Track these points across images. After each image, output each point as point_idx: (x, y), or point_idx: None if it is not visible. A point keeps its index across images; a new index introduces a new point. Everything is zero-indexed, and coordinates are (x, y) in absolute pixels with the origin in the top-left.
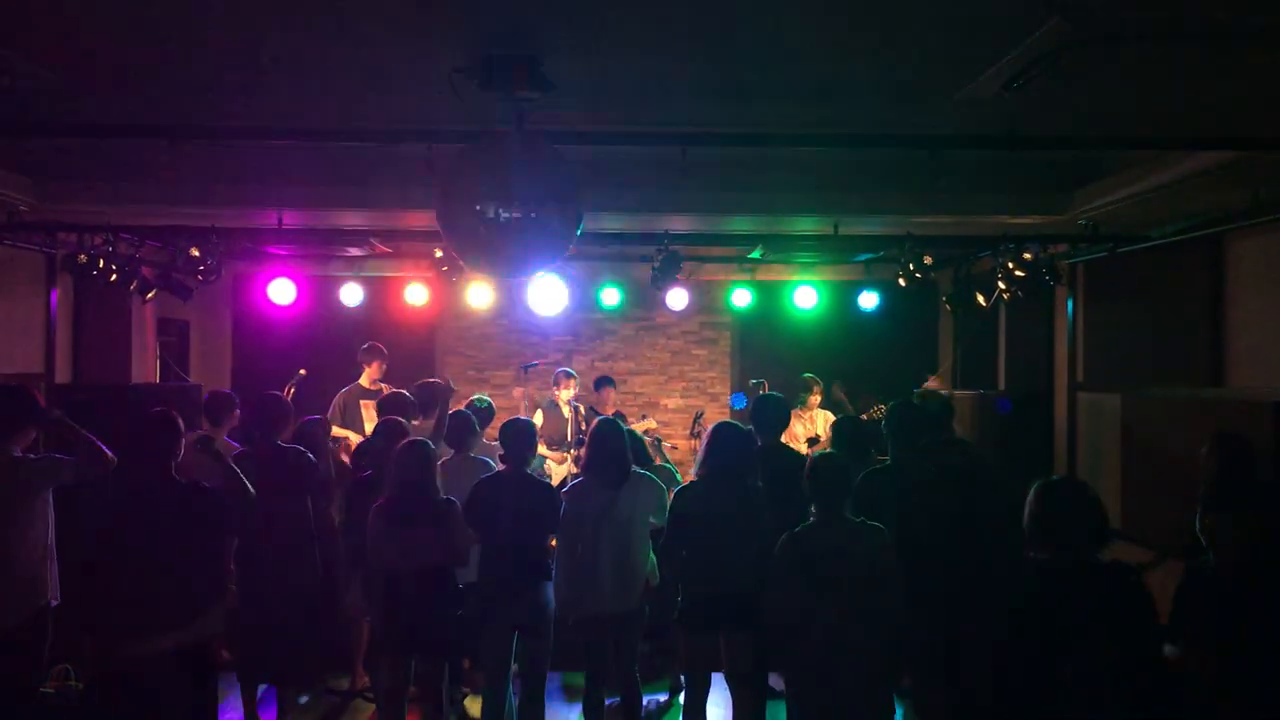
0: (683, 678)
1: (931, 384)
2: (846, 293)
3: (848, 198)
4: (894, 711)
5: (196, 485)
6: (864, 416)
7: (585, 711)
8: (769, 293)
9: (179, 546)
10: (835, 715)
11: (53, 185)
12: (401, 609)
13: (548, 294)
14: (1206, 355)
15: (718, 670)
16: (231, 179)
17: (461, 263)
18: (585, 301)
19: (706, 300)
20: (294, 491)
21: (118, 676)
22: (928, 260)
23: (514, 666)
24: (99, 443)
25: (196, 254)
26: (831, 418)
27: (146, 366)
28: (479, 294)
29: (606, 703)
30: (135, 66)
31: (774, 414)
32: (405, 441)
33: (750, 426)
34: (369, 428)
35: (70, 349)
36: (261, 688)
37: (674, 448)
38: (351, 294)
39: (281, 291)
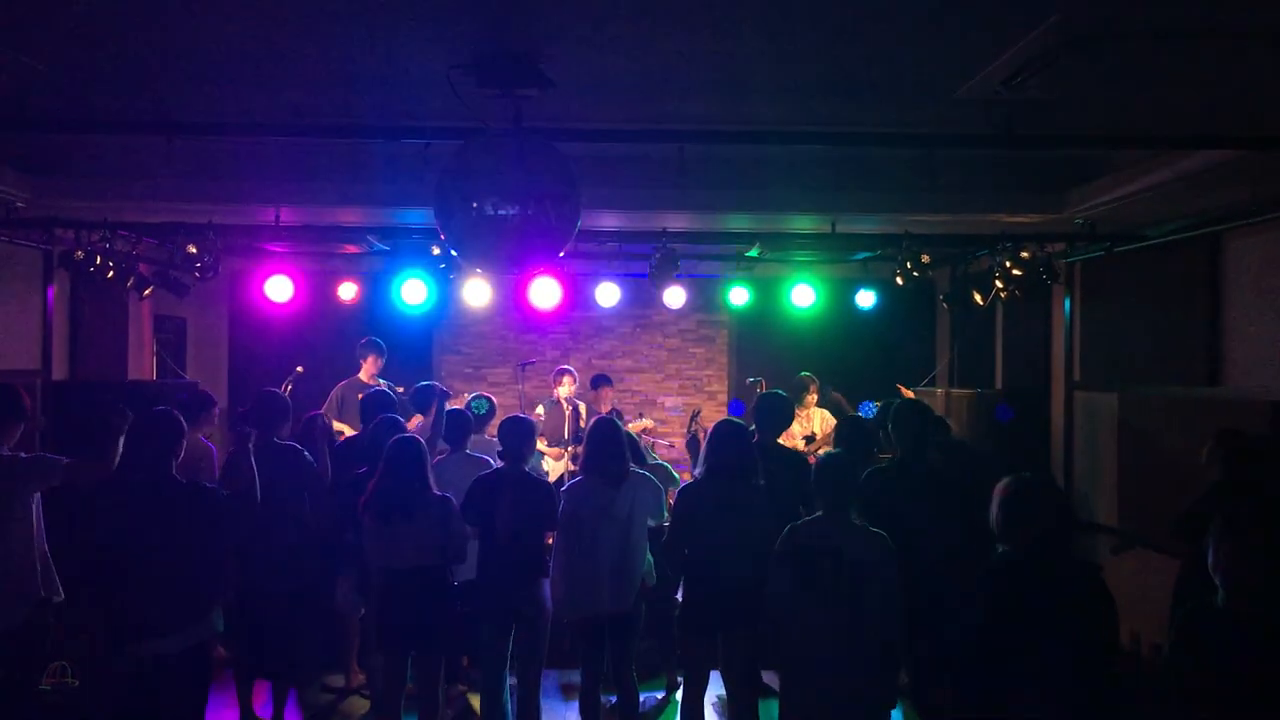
0: (680, 677)
1: (907, 395)
2: (844, 291)
3: (845, 196)
4: (890, 712)
5: (197, 485)
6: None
7: (582, 710)
8: (766, 291)
9: (181, 548)
10: (820, 713)
11: (50, 181)
12: (396, 605)
13: (545, 288)
14: (1203, 354)
15: (717, 668)
16: (229, 175)
17: (459, 260)
18: (582, 299)
19: (704, 298)
20: (292, 489)
21: (119, 677)
22: (925, 259)
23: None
24: (103, 448)
25: (193, 251)
26: (828, 416)
27: (143, 363)
28: (476, 291)
29: (603, 701)
30: (133, 62)
31: (779, 413)
32: (396, 437)
33: (751, 425)
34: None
35: (67, 345)
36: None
37: (671, 445)
38: (348, 291)
39: (278, 288)
